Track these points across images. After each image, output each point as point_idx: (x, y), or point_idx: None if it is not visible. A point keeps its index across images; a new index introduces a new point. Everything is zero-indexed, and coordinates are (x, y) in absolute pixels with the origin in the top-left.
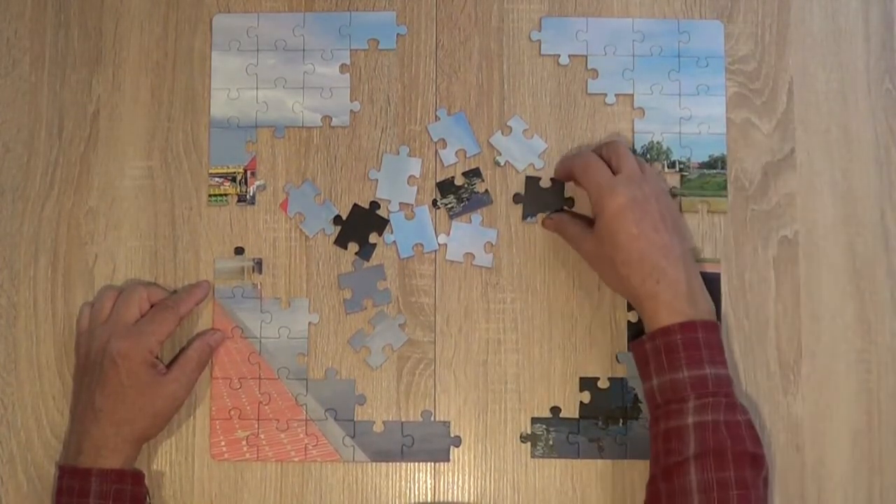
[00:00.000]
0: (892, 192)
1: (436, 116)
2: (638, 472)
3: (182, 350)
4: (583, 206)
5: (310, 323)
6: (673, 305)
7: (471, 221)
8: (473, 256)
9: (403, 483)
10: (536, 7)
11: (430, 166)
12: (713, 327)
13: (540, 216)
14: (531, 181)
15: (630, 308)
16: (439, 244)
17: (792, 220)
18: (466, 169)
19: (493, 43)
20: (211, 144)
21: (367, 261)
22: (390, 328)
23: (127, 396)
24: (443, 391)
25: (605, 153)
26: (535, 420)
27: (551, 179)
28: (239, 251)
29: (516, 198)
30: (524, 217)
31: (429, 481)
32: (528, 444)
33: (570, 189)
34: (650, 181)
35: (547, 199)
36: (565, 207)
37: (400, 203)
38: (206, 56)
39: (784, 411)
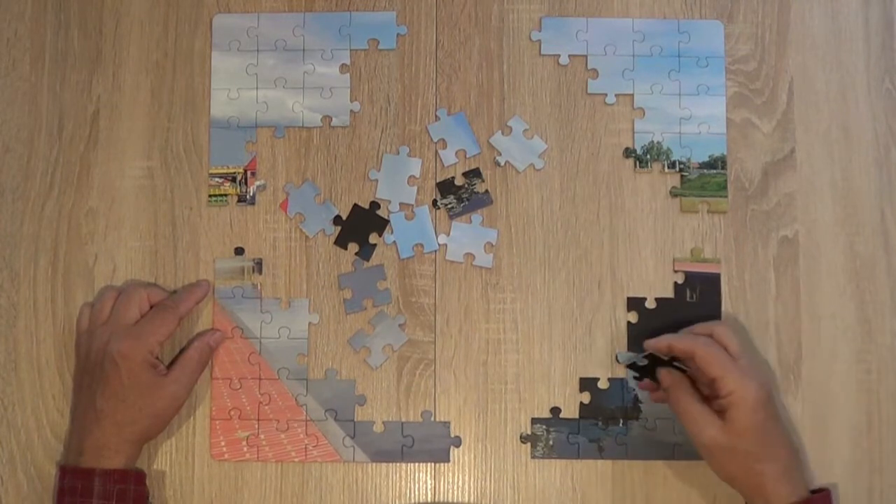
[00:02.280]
0: (892, 192)
1: (436, 116)
2: (638, 472)
3: (182, 350)
4: None
5: (310, 323)
6: (793, 493)
7: (471, 221)
8: (473, 257)
9: (403, 483)
10: (536, 7)
11: (430, 166)
12: (828, 498)
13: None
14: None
15: (630, 308)
16: (439, 244)
17: (792, 220)
18: (466, 169)
19: (493, 43)
20: (211, 144)
21: (367, 261)
22: (390, 328)
23: (127, 397)
24: (443, 391)
25: (717, 335)
26: (535, 420)
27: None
28: (239, 251)
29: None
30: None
31: (429, 481)
32: (528, 444)
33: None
34: (759, 363)
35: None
36: (679, 365)
37: (400, 203)
38: (206, 56)
39: (784, 411)
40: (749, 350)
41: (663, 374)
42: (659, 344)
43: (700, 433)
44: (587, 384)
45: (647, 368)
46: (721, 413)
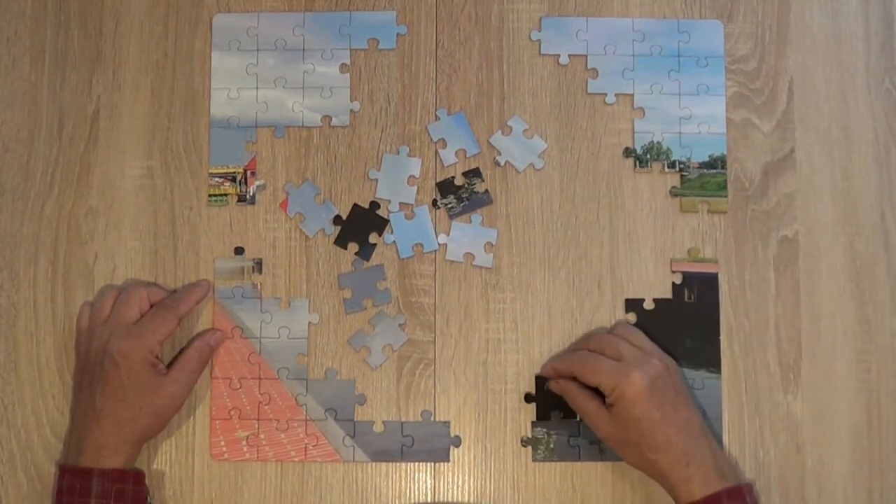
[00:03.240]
0: (892, 192)
1: (436, 116)
2: (638, 473)
3: (182, 350)
4: None
5: (310, 323)
6: (704, 484)
7: (471, 221)
8: (473, 256)
9: (403, 483)
10: (536, 7)
11: (430, 166)
12: (738, 493)
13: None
14: (541, 381)
15: (629, 309)
16: (439, 244)
17: (792, 220)
18: (466, 169)
19: (493, 43)
20: (211, 144)
21: (367, 261)
22: (390, 328)
23: (127, 396)
24: (443, 391)
25: (595, 346)
26: (535, 423)
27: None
28: (239, 251)
29: (527, 397)
30: (538, 417)
31: (429, 481)
32: (529, 447)
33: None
34: (654, 354)
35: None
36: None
37: (400, 203)
38: (206, 56)
39: (784, 411)
40: (646, 345)
41: (553, 385)
42: (545, 371)
43: (596, 429)
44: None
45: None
46: (610, 409)
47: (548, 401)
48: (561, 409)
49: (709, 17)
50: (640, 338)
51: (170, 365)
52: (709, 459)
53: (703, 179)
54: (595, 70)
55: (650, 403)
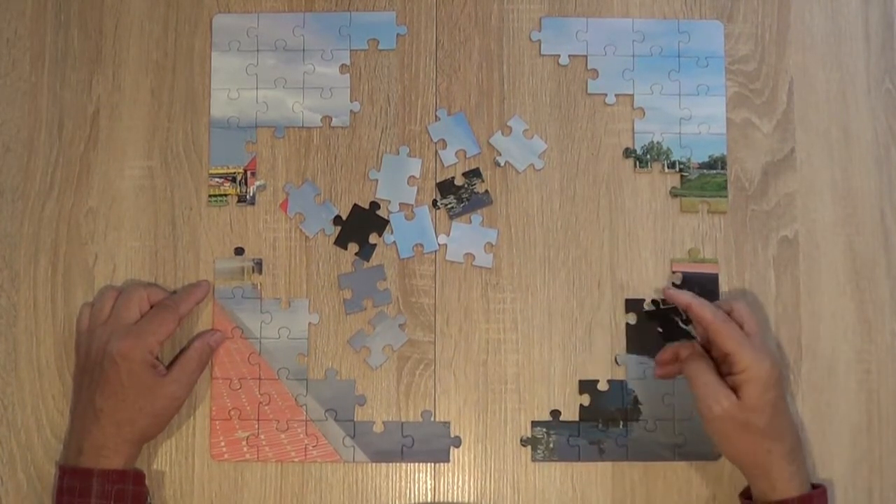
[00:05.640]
0: (892, 192)
1: (436, 116)
2: (638, 473)
3: (182, 350)
4: None
5: (310, 323)
6: (802, 484)
7: (471, 222)
8: (473, 257)
9: (403, 483)
10: (536, 7)
11: (430, 166)
12: (824, 495)
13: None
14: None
15: (629, 310)
16: (439, 244)
17: (792, 220)
18: (466, 169)
19: (493, 43)
20: (211, 144)
21: (367, 261)
22: (390, 328)
23: (127, 397)
24: (443, 391)
25: (737, 316)
26: (535, 424)
27: (658, 308)
28: (239, 251)
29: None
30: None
31: (429, 482)
32: (529, 447)
33: None
34: (768, 340)
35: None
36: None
37: (400, 203)
38: (206, 56)
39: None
40: (763, 330)
41: (682, 345)
42: (679, 297)
43: (714, 405)
44: (587, 386)
45: (650, 316)
46: (734, 389)
47: (648, 326)
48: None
49: (709, 17)
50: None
51: (170, 365)
52: (804, 461)
53: (703, 180)
54: (595, 70)
55: (779, 393)
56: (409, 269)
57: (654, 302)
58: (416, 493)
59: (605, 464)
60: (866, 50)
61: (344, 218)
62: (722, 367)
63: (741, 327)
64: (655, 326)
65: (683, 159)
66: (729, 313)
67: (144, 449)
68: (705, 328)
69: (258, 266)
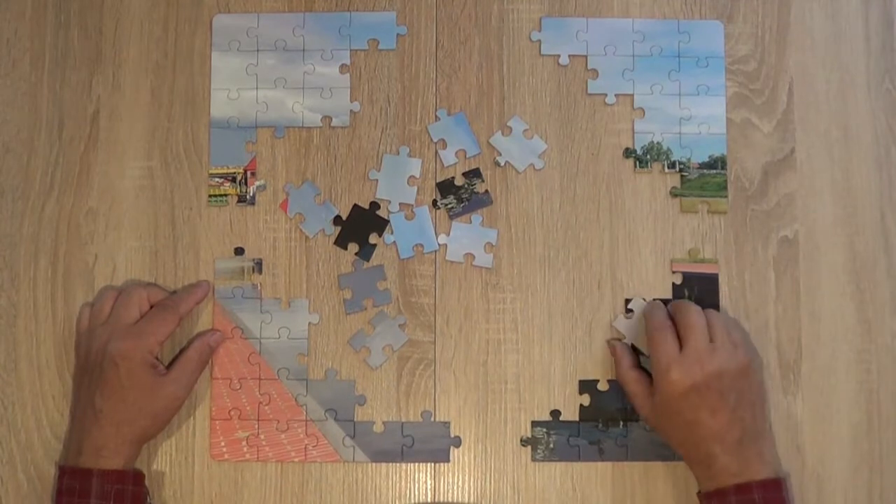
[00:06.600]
0: (892, 192)
1: (436, 116)
2: (638, 473)
3: (182, 350)
4: None
5: (310, 323)
6: (727, 481)
7: (471, 222)
8: (473, 257)
9: (403, 483)
10: (536, 7)
11: (430, 166)
12: (774, 486)
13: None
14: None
15: (628, 310)
16: (439, 244)
17: (792, 220)
18: (466, 169)
19: (493, 43)
20: (211, 144)
21: (367, 261)
22: (390, 328)
23: (127, 397)
24: (443, 391)
25: (677, 317)
26: (535, 424)
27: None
28: (239, 251)
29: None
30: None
31: (429, 482)
32: (529, 447)
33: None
34: (719, 355)
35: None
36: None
37: (400, 203)
38: (206, 56)
39: (784, 411)
40: (719, 337)
41: (611, 345)
42: (645, 308)
43: (636, 406)
44: (587, 386)
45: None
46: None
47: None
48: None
49: (709, 17)
50: (722, 333)
51: (170, 365)
52: (734, 466)
53: (703, 180)
54: (595, 70)
55: (685, 405)
56: (409, 269)
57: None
58: (416, 493)
59: (605, 464)
60: (866, 50)
61: (344, 218)
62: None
63: (680, 334)
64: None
65: (683, 159)
66: (673, 315)
67: (144, 449)
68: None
69: (258, 266)
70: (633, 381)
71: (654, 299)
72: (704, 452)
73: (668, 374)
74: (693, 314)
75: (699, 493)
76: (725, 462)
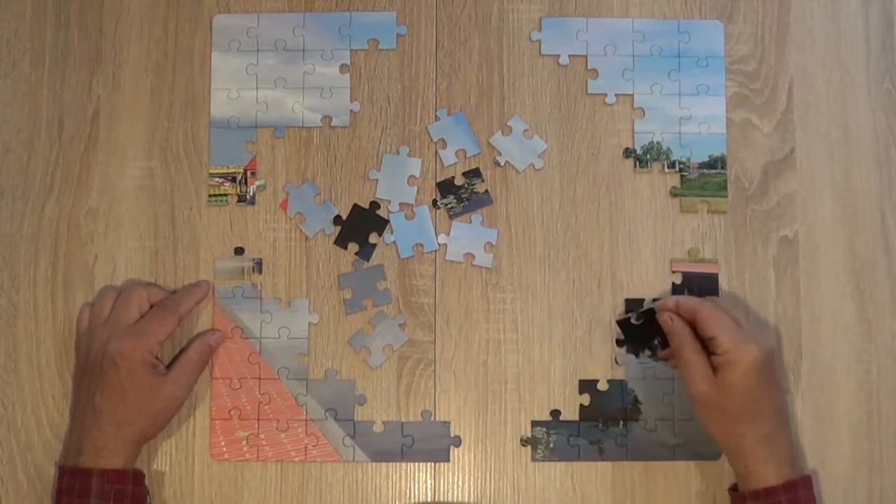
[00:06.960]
0: (892, 192)
1: (436, 116)
2: (638, 473)
3: (182, 350)
4: None
5: (310, 323)
6: (779, 469)
7: (471, 221)
8: (473, 256)
9: (403, 483)
10: (536, 7)
11: (430, 166)
12: (809, 484)
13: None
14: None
15: (628, 310)
16: (439, 244)
17: (792, 220)
18: (466, 169)
19: (493, 43)
20: (211, 144)
21: (367, 261)
22: (390, 328)
23: (127, 397)
24: (443, 391)
25: (723, 304)
26: (535, 423)
27: (643, 314)
28: (239, 251)
29: (619, 341)
30: (624, 346)
31: (429, 481)
32: (529, 447)
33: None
34: (766, 334)
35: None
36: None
37: (400, 203)
38: (206, 56)
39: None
40: (755, 322)
41: (666, 318)
42: (667, 304)
43: (692, 384)
44: (587, 386)
45: (637, 330)
46: (716, 370)
47: (638, 335)
48: (642, 345)
49: (709, 17)
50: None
51: (170, 365)
52: (788, 446)
53: (703, 179)
54: (595, 70)
55: (760, 379)
56: (409, 269)
57: (642, 313)
58: (416, 492)
59: (605, 464)
60: (866, 50)
61: (344, 218)
62: (708, 349)
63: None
64: (656, 326)
65: (683, 159)
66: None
67: (144, 449)
68: (693, 317)
69: (258, 266)
70: (697, 351)
71: (655, 299)
72: (766, 430)
73: (747, 346)
74: (720, 304)
75: (733, 489)
76: (783, 440)
